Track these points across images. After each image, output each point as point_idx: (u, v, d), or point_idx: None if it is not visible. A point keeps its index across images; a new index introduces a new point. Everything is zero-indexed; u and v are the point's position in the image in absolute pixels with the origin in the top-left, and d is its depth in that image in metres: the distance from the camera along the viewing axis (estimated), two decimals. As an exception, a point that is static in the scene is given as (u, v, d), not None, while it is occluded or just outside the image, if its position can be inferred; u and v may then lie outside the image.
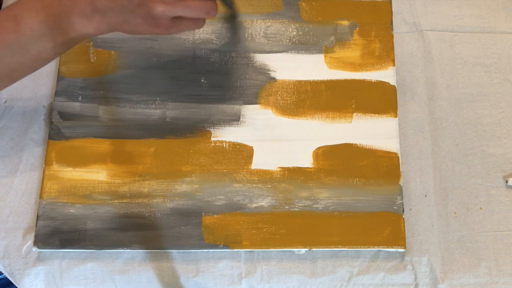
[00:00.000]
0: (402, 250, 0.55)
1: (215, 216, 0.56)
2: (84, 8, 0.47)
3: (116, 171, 0.57)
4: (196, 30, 0.62)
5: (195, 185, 0.57)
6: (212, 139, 0.59)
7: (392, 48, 0.62)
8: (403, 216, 0.56)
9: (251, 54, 0.62)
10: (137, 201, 0.56)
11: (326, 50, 0.62)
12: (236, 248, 0.55)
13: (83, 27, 0.48)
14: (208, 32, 0.63)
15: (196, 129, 0.59)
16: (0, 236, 0.56)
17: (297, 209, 0.56)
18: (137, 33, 0.49)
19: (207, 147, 0.58)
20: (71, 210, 0.56)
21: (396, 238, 0.55)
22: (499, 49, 0.64)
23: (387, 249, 0.55)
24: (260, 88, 0.60)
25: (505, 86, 0.62)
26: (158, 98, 0.60)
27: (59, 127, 0.59)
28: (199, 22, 0.51)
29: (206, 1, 0.48)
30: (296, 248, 0.55)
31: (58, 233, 0.55)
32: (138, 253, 0.56)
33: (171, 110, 0.59)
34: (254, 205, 0.56)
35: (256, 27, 0.63)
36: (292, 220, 0.56)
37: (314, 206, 0.56)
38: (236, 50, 0.62)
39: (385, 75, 0.61)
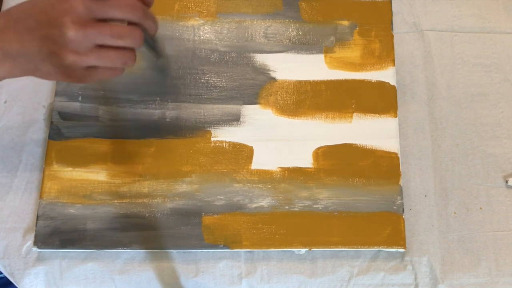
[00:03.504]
0: (402, 250, 0.55)
1: (215, 216, 0.56)
2: None
3: (116, 171, 0.57)
4: (196, 30, 0.62)
5: (195, 185, 0.57)
6: (212, 139, 0.59)
7: (392, 48, 0.62)
8: (403, 216, 0.56)
9: (251, 54, 0.62)
10: (137, 201, 0.56)
11: (326, 50, 0.62)
12: (236, 248, 0.55)
13: None
14: (208, 32, 0.63)
15: (196, 129, 0.59)
16: (0, 236, 0.56)
17: (297, 209, 0.56)
18: (51, 80, 0.47)
19: (207, 147, 0.58)
20: (71, 210, 0.56)
21: (396, 238, 0.55)
22: (499, 49, 0.64)
23: (387, 249, 0.55)
24: (260, 88, 0.60)
25: (505, 86, 0.62)
26: (158, 98, 0.60)
27: (59, 127, 0.58)
28: (116, 71, 0.48)
29: (122, 51, 0.45)
30: (296, 248, 0.55)
31: (58, 233, 0.55)
32: (138, 253, 0.56)
33: (171, 110, 0.59)
34: (254, 205, 0.56)
35: (256, 27, 0.63)
36: (292, 220, 0.56)
37: (314, 206, 0.56)
38: (236, 51, 0.62)
39: (385, 75, 0.61)
